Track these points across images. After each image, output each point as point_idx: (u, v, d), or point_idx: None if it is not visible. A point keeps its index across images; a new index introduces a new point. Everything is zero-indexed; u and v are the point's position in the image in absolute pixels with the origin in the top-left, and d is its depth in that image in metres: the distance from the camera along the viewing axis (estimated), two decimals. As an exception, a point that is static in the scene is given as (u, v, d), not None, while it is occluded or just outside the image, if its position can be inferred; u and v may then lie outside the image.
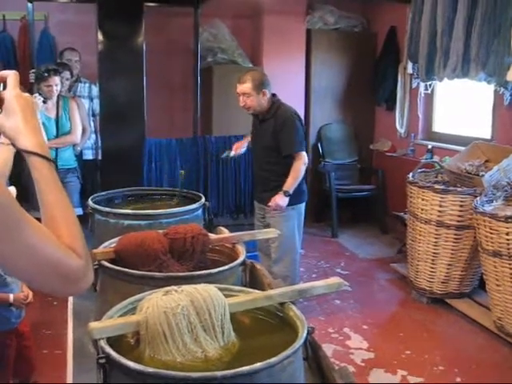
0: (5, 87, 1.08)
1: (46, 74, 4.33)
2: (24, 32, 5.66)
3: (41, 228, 0.97)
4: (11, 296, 2.70)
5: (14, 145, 1.06)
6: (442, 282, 4.24)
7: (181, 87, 6.19)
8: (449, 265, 4.18)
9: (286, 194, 3.67)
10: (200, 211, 2.49)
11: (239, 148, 4.15)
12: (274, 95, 3.83)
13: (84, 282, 1.01)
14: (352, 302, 4.35)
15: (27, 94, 1.10)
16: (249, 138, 4.12)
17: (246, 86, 3.71)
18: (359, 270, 5.07)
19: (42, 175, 1.04)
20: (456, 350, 3.65)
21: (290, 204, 3.76)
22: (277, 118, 3.75)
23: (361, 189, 6.26)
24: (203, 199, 2.56)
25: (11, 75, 1.09)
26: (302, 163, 3.73)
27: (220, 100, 5.73)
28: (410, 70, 5.50)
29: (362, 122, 6.56)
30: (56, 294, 1.04)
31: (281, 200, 3.67)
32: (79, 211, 3.78)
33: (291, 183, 3.69)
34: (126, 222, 2.28)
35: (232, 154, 4.16)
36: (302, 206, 3.90)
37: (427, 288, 4.31)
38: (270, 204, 3.69)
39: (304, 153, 3.77)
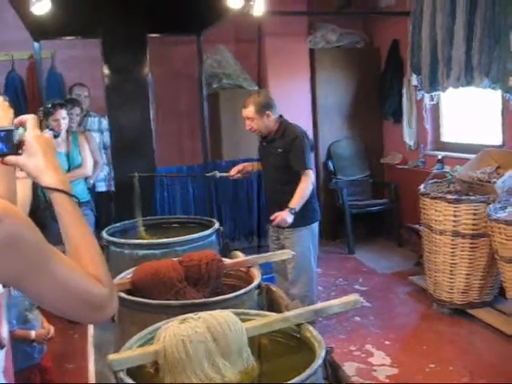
0: (25, 129, 1.13)
1: (52, 109, 4.39)
2: (32, 71, 5.78)
3: (67, 260, 1.02)
4: (33, 333, 2.72)
5: (37, 183, 1.11)
6: (462, 292, 4.20)
7: (188, 114, 6.23)
8: (467, 274, 4.14)
9: (291, 211, 3.64)
10: (214, 237, 2.50)
11: (235, 172, 4.03)
12: (280, 116, 3.85)
13: (110, 308, 1.06)
14: (372, 319, 4.31)
15: (47, 135, 1.15)
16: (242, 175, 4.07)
17: (249, 111, 3.74)
18: (378, 285, 5.04)
19: (65, 210, 1.09)
20: (481, 361, 3.60)
21: (303, 224, 3.75)
22: (285, 137, 3.77)
23: (374, 203, 6.25)
24: (217, 224, 2.57)
25: (30, 118, 1.14)
26: (308, 181, 3.73)
27: (228, 124, 5.76)
28: (414, 81, 5.50)
29: (371, 136, 6.57)
30: (84, 322, 1.11)
31: (286, 215, 3.64)
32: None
33: (297, 201, 3.68)
34: (141, 252, 2.31)
35: (218, 175, 4.07)
36: (316, 224, 3.90)
37: (447, 299, 4.27)
38: (273, 218, 3.66)
39: (311, 171, 3.77)
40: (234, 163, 5.24)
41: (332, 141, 6.45)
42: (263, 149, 3.97)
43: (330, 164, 6.39)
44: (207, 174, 4.22)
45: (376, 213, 6.21)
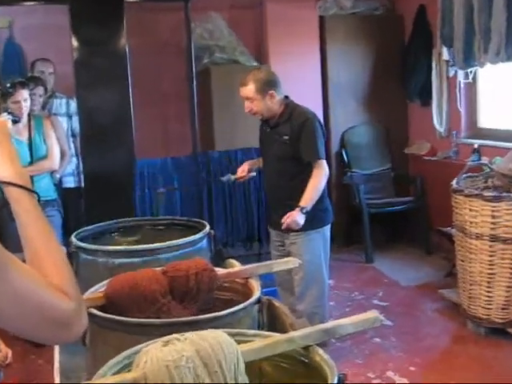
0: None
1: (11, 89, 4.36)
2: (-15, 43, 5.77)
3: (27, 269, 1.01)
4: (-14, 357, 2.71)
5: None
6: (502, 309, 4.20)
7: (174, 96, 6.24)
8: (508, 287, 4.14)
9: (302, 211, 3.64)
10: (204, 242, 2.52)
11: (245, 172, 4.04)
12: (286, 97, 3.86)
13: (77, 326, 1.05)
14: (394, 340, 4.31)
15: (2, 119, 1.15)
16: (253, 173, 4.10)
17: (248, 89, 3.74)
18: (401, 300, 5.05)
19: (24, 208, 1.09)
20: (525, 390, 3.61)
21: (313, 227, 3.76)
22: (293, 120, 3.77)
23: (397, 202, 6.25)
24: (207, 227, 2.58)
25: None
26: (322, 174, 3.74)
27: (221, 107, 5.76)
28: (445, 56, 5.51)
29: (393, 121, 6.57)
30: (48, 342, 1.09)
31: (298, 216, 3.64)
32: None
33: (309, 198, 3.68)
34: (118, 261, 2.32)
35: (233, 178, 4.07)
36: (328, 227, 3.90)
37: (484, 316, 4.27)
38: (284, 220, 3.66)
39: (325, 162, 3.78)
40: (229, 154, 5.31)
41: (346, 127, 6.44)
42: (265, 136, 3.97)
43: (344, 155, 6.39)
44: (222, 179, 4.21)
45: (399, 213, 6.20)
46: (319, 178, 3.72)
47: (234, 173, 4.08)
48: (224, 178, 4.14)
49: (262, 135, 4.02)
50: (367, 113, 6.52)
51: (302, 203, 3.65)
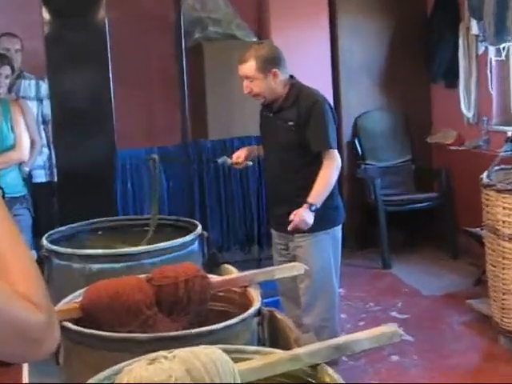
0: None
1: None
2: None
3: None
4: None
5: None
6: (540, 322, 4.21)
7: (161, 76, 6.25)
8: (547, 297, 4.15)
9: (311, 208, 3.61)
10: (196, 245, 2.53)
11: (241, 159, 4.04)
12: (291, 77, 3.85)
13: (49, 341, 1.05)
14: (416, 358, 4.31)
15: None
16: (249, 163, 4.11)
17: (248, 67, 3.72)
18: (423, 312, 5.05)
19: None
20: None
21: (322, 227, 3.73)
22: (300, 104, 3.75)
23: (418, 198, 6.26)
24: (199, 228, 2.58)
25: None
26: (333, 165, 3.72)
27: (216, 89, 5.75)
28: (474, 30, 5.50)
29: (414, 106, 6.57)
30: (15, 360, 1.11)
31: (306, 214, 3.61)
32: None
33: (319, 193, 3.65)
34: (96, 266, 2.34)
35: (230, 161, 4.08)
36: (338, 228, 3.89)
37: (520, 331, 4.28)
38: (291, 218, 3.63)
39: (336, 152, 3.77)
40: (224, 143, 5.29)
41: (360, 112, 6.46)
42: (267, 122, 3.96)
43: (357, 144, 6.41)
44: (218, 160, 4.22)
45: (421, 212, 6.21)
46: (330, 171, 3.70)
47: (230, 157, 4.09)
48: (220, 160, 4.15)
49: (264, 121, 4.01)
50: (384, 96, 6.52)
51: (311, 199, 3.62)
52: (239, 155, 3.99)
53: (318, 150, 3.72)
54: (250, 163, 4.10)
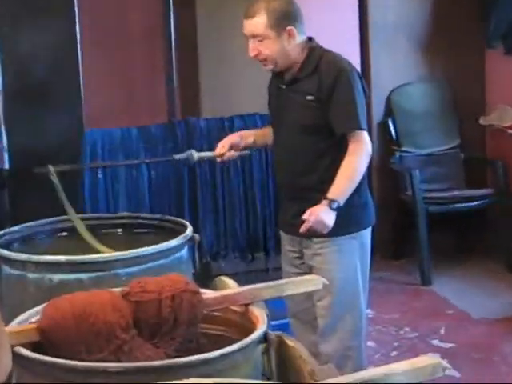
0: None
1: None
2: None
3: None
4: None
5: None
6: None
7: (142, 35, 6.31)
8: None
9: (332, 205, 3.58)
10: (185, 251, 2.69)
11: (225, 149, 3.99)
12: (310, 39, 3.84)
13: None
14: (464, 398, 4.40)
15: None
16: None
17: (256, 23, 3.69)
18: (473, 341, 5.06)
19: None
20: None
21: (345, 230, 3.73)
22: (321, 73, 3.73)
23: (468, 196, 6.29)
24: (189, 230, 2.73)
25: None
26: (362, 152, 3.70)
27: (211, 53, 5.86)
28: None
29: (464, 78, 6.63)
30: None
31: (325, 213, 3.57)
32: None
33: (342, 187, 3.63)
34: (57, 277, 2.46)
35: (197, 156, 4.05)
36: (367, 232, 3.89)
37: None
38: (305, 217, 3.61)
39: (366, 135, 3.75)
40: (222, 123, 5.34)
41: (394, 85, 6.54)
42: (279, 96, 3.94)
43: (391, 126, 6.47)
44: (176, 157, 4.18)
45: (471, 212, 6.27)
46: (358, 158, 3.68)
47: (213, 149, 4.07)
48: (179, 156, 4.12)
49: (274, 95, 4.00)
50: (426, 65, 6.60)
51: (332, 195, 3.60)
52: (224, 144, 3.95)
53: (343, 133, 3.70)
54: (247, 152, 4.14)
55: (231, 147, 3.94)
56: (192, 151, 4.06)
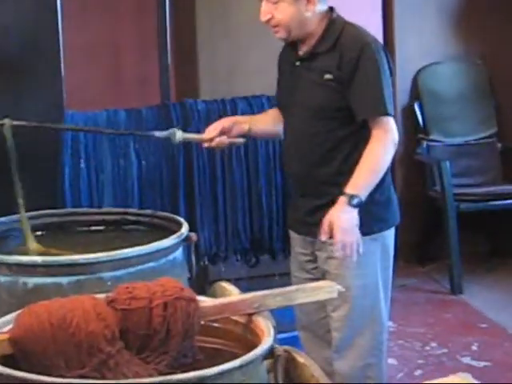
0: None
1: None
2: None
3: None
4: None
5: None
6: None
7: (132, 4, 6.31)
8: None
9: (352, 201, 3.56)
10: (179, 252, 2.61)
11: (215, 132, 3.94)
12: (331, 9, 3.81)
13: None
14: (498, 424, 4.39)
15: None
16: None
17: None
18: (510, 359, 5.04)
19: None
20: None
21: (365, 231, 3.70)
22: (342, 48, 3.71)
23: (506, 192, 6.28)
24: (184, 228, 2.67)
25: None
26: (387, 141, 3.69)
27: (211, 22, 5.81)
28: None
29: (502, 57, 6.60)
30: None
31: (344, 211, 3.57)
32: None
33: (364, 179, 3.63)
34: (33, 281, 2.39)
35: (181, 137, 3.92)
36: (391, 233, 3.90)
37: None
38: (324, 222, 3.57)
39: (392, 121, 3.73)
40: (224, 105, 5.28)
41: (422, 65, 6.52)
42: (291, 73, 3.93)
43: (418, 111, 6.47)
44: (157, 133, 4.08)
45: (508, 211, 6.24)
46: (382, 148, 3.67)
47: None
48: (158, 134, 4.03)
49: (286, 72, 3.99)
50: (458, 41, 6.57)
51: (351, 189, 3.58)
52: (215, 128, 3.91)
53: (366, 118, 3.70)
54: (241, 140, 4.09)
55: (223, 132, 3.89)
56: (175, 129, 3.92)
